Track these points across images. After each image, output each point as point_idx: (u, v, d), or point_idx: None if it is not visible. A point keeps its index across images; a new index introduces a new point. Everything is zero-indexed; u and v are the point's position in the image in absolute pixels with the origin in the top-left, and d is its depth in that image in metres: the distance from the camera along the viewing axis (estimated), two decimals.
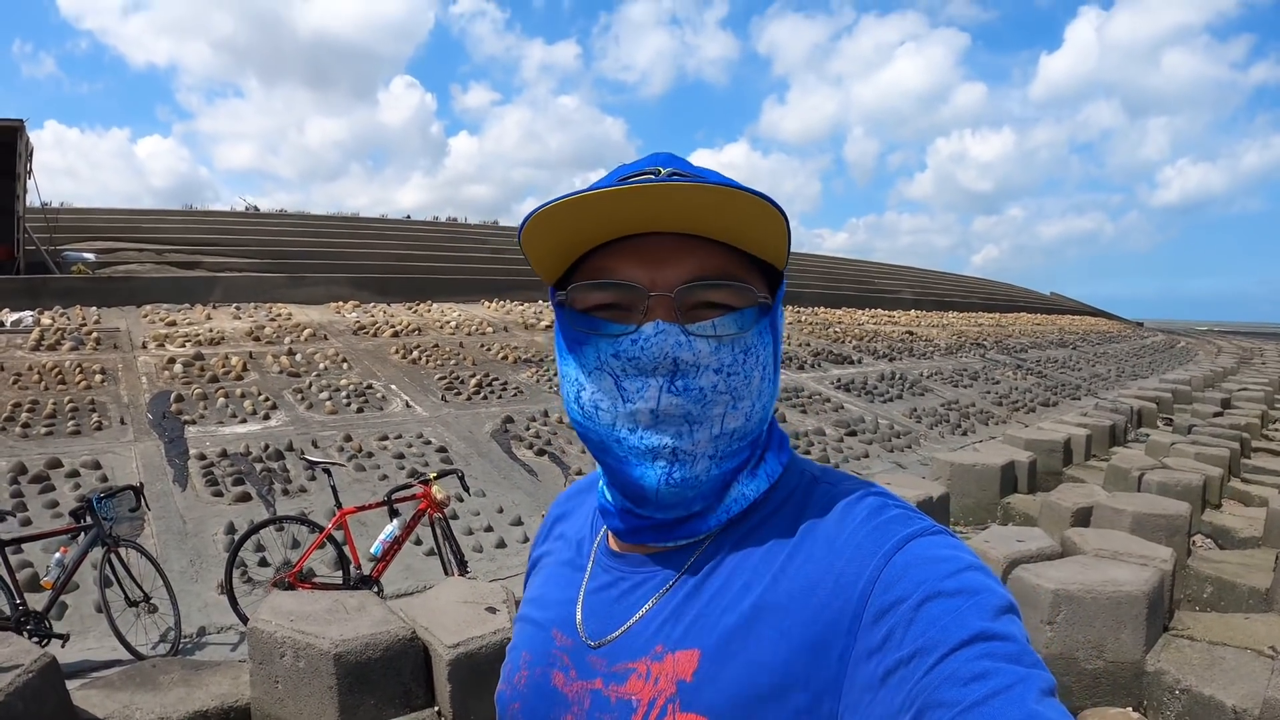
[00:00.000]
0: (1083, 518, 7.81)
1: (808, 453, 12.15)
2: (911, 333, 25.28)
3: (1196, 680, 4.74)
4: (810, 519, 0.93)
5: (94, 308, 15.28)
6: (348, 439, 9.98)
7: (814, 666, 0.83)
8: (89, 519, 5.88)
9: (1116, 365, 27.51)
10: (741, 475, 0.98)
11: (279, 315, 16.40)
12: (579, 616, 1.03)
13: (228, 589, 6.24)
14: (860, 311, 29.79)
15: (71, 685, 4.47)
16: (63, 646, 5.50)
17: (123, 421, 9.82)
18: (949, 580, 0.80)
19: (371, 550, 6.49)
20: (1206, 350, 40.95)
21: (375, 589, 6.37)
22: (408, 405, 11.71)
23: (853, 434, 13.40)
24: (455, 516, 8.11)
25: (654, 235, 0.91)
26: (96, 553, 5.88)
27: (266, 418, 10.49)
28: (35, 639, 5.29)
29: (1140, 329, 49.65)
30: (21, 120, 16.44)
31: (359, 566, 6.52)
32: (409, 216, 37.78)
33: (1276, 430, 16.28)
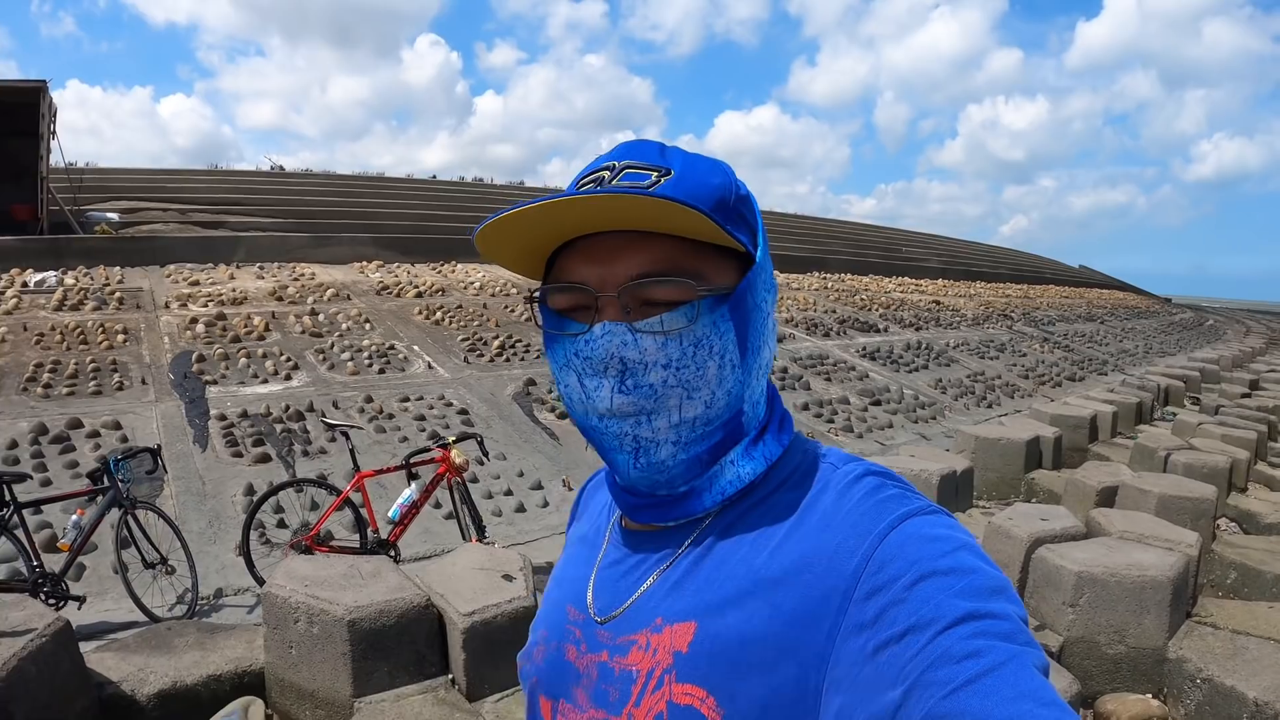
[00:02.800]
0: (1108, 497, 7.69)
1: (831, 421, 12.10)
2: (938, 302, 25.10)
3: (1218, 670, 4.63)
4: (809, 497, 0.95)
5: (117, 268, 15.28)
6: (369, 400, 9.96)
7: (803, 639, 0.84)
8: (106, 481, 5.87)
9: (1144, 341, 27.27)
10: (738, 457, 0.99)
11: (302, 275, 16.37)
12: (590, 592, 1.06)
13: (245, 551, 6.23)
14: (887, 279, 29.57)
15: (87, 647, 4.46)
16: (79, 609, 5.51)
17: (144, 381, 9.82)
18: (943, 559, 0.80)
19: (389, 514, 6.47)
20: (1235, 329, 40.57)
21: (392, 553, 6.35)
22: (430, 366, 11.69)
23: (877, 403, 13.31)
24: (475, 480, 8.08)
25: (607, 234, 0.93)
26: (114, 514, 5.86)
27: (288, 378, 10.49)
28: (51, 601, 5.30)
29: (1168, 305, 49.22)
30: (44, 81, 16.42)
31: (376, 530, 6.50)
32: (434, 176, 37.70)
33: None
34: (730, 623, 0.88)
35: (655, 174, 0.92)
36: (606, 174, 0.94)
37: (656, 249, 0.92)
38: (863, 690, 0.77)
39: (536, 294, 1.01)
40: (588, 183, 0.95)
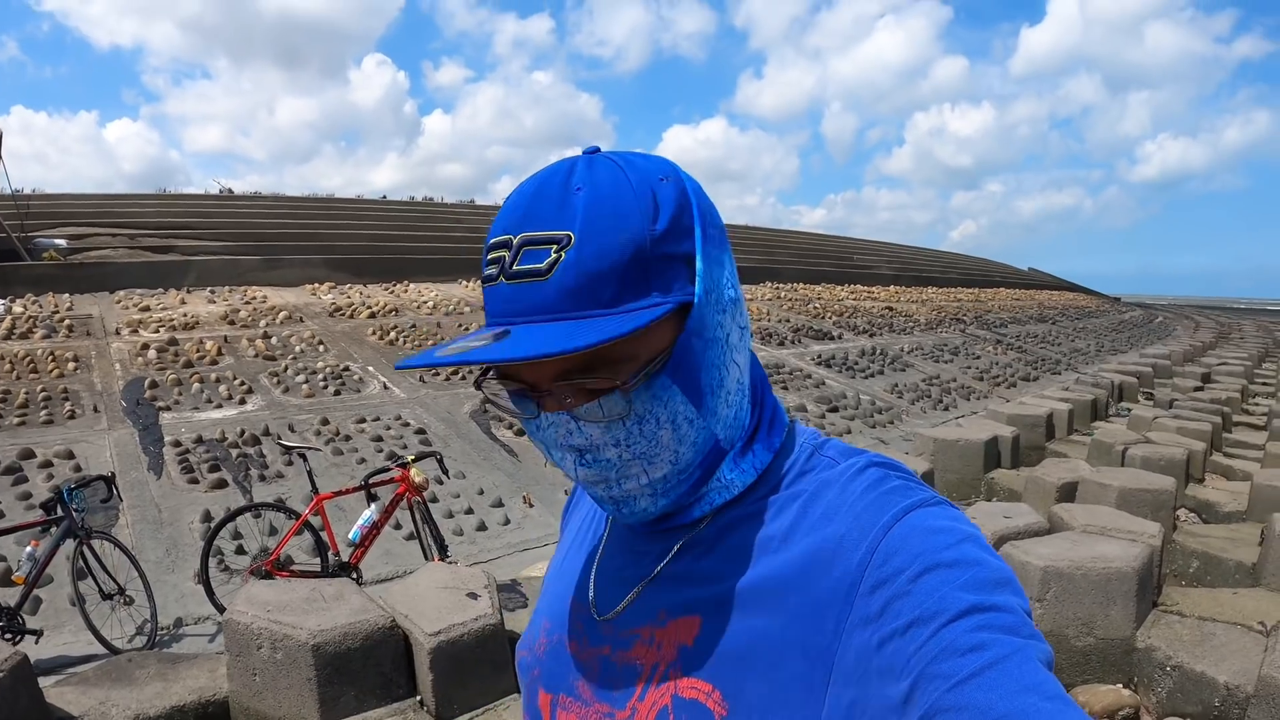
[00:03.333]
0: (1068, 493, 7.78)
1: None
2: (891, 308, 25.30)
3: (1188, 657, 4.70)
4: (811, 490, 0.93)
5: (66, 295, 15.09)
6: (325, 422, 9.89)
7: (808, 633, 0.83)
8: (60, 511, 5.78)
9: (1096, 340, 27.64)
10: (724, 470, 0.96)
11: (254, 298, 16.24)
12: (591, 586, 1.05)
13: (204, 578, 6.15)
14: (840, 287, 29.76)
15: (46, 682, 4.39)
16: (36, 643, 5.41)
17: (96, 409, 9.69)
18: (947, 551, 0.79)
19: (350, 536, 6.43)
20: (1185, 325, 41.17)
21: (354, 575, 6.30)
22: (385, 387, 11.63)
23: (834, 410, 13.39)
24: (435, 499, 8.04)
25: None
26: (69, 545, 5.77)
27: (242, 402, 10.39)
28: (8, 635, 5.21)
29: (1117, 304, 49.88)
30: None
31: (337, 553, 6.45)
32: (384, 196, 37.49)
33: (1256, 404, 16.34)
34: (735, 617, 0.88)
35: (554, 248, 0.84)
36: (506, 254, 0.87)
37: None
38: (869, 684, 0.77)
39: (481, 380, 0.95)
40: (492, 260, 0.89)
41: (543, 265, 0.84)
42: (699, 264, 0.90)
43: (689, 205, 0.91)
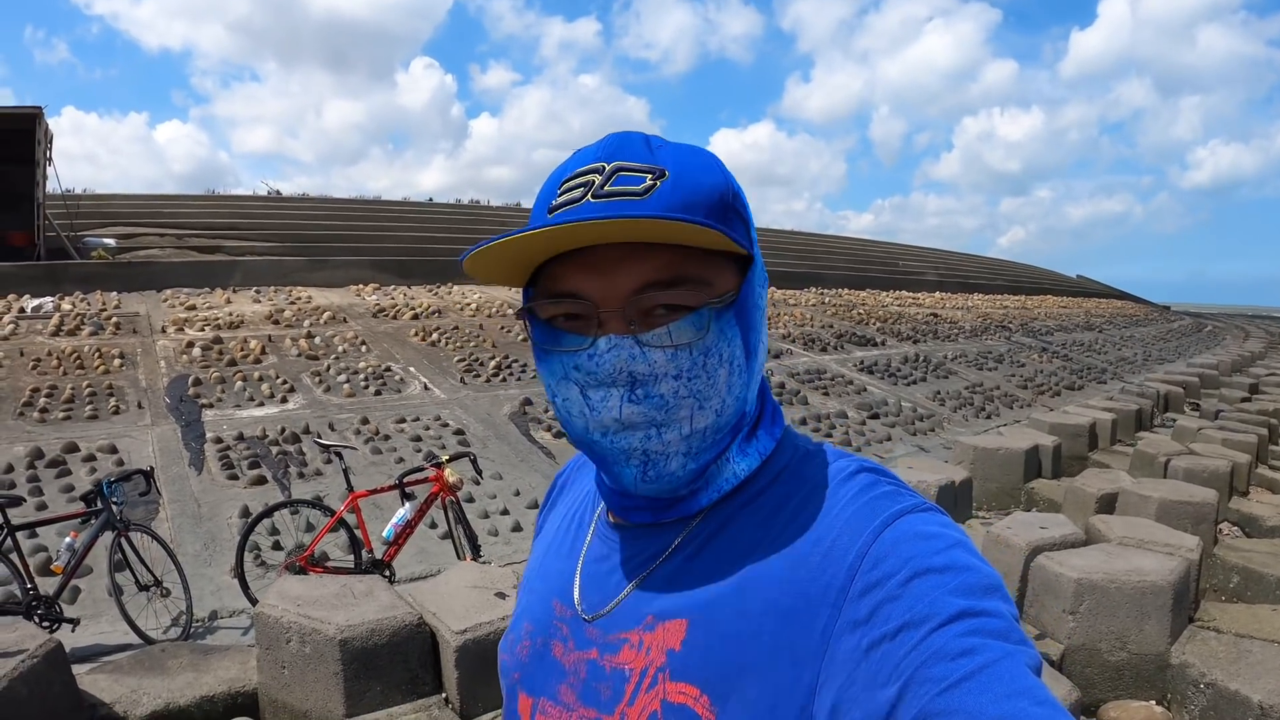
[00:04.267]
0: (1108, 504, 7.68)
1: (829, 435, 12.08)
2: (936, 315, 25.10)
3: (1222, 674, 4.61)
4: (802, 494, 0.93)
5: (114, 293, 15.32)
6: (365, 421, 9.96)
7: (797, 636, 0.83)
8: (100, 504, 5.87)
9: (1143, 349, 27.27)
10: (734, 453, 0.97)
11: (299, 298, 16.41)
12: (576, 588, 1.04)
13: (239, 572, 6.22)
14: (885, 293, 29.59)
15: (81, 669, 4.46)
16: (73, 631, 5.49)
17: (140, 405, 9.83)
18: (937, 557, 0.80)
19: (384, 534, 6.47)
20: (1234, 334, 40.56)
21: (387, 573, 6.34)
22: (426, 387, 11.69)
23: (875, 416, 13.30)
24: (470, 500, 8.07)
25: (604, 245, 0.89)
26: (108, 537, 5.85)
27: (284, 401, 10.49)
28: (45, 623, 5.29)
29: (1166, 313, 49.25)
30: (40, 107, 16.51)
31: (371, 550, 6.49)
32: (431, 199, 37.76)
33: None
34: (723, 620, 0.88)
35: (649, 177, 0.88)
36: (596, 178, 0.89)
37: (660, 258, 0.89)
38: (858, 688, 0.77)
39: (528, 308, 0.97)
40: (575, 185, 0.90)
41: (639, 188, 0.88)
42: (753, 232, 0.98)
43: (740, 188, 0.97)
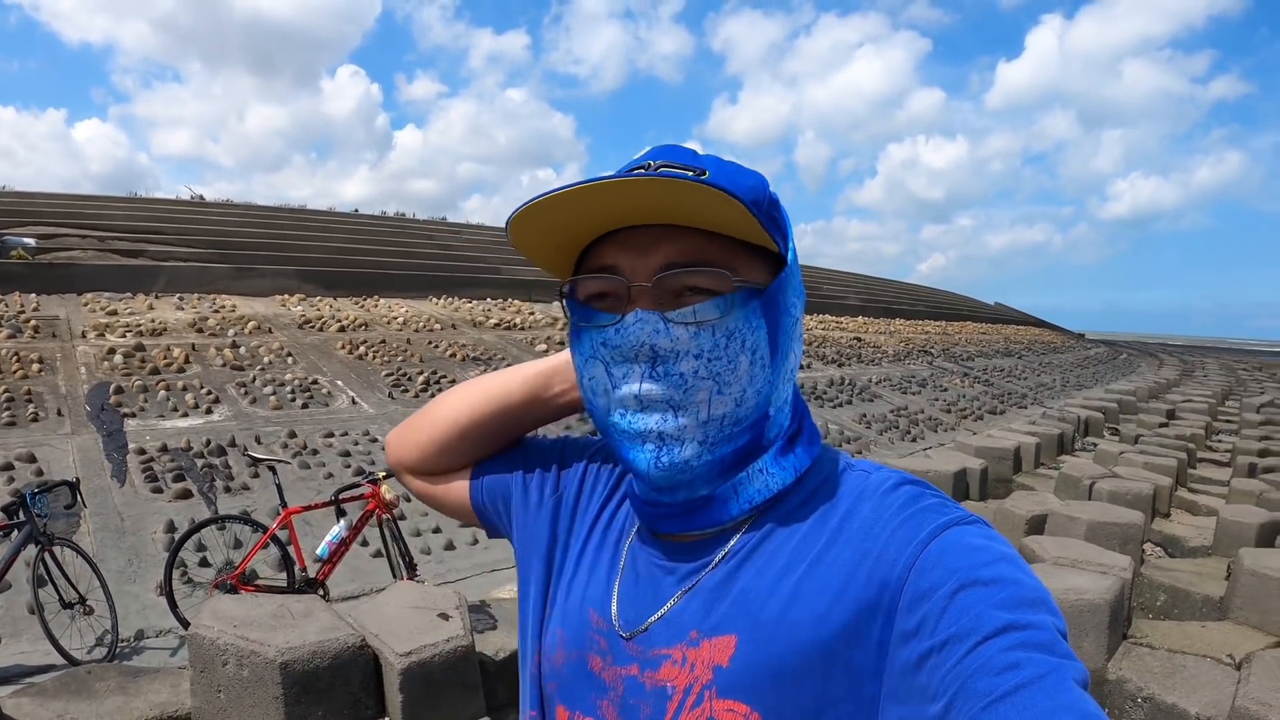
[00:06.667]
0: (1037, 525, 7.82)
1: None
2: (860, 339, 25.42)
3: (1159, 688, 4.72)
4: (845, 506, 0.94)
5: (33, 295, 14.88)
6: (292, 435, 9.79)
7: (852, 651, 0.83)
8: (22, 515, 5.66)
9: (1061, 375, 27.91)
10: (768, 465, 0.98)
11: (223, 307, 16.10)
12: (614, 603, 1.03)
13: (167, 590, 6.04)
14: (808, 317, 29.89)
15: (3, 692, 4.31)
16: None
17: (60, 413, 9.55)
18: (984, 569, 0.80)
19: (317, 552, 6.33)
20: (1149, 362, 41.63)
21: (321, 592, 6.21)
22: (354, 402, 11.54)
23: None
24: (404, 517, 7.95)
25: (642, 227, 0.93)
26: (30, 551, 5.65)
27: (209, 412, 10.28)
28: None
29: (1082, 340, 50.40)
30: None
31: (304, 568, 6.35)
32: (357, 210, 37.34)
33: (1220, 441, 16.56)
34: (774, 635, 0.87)
35: (691, 173, 0.89)
36: (642, 172, 0.91)
37: (692, 240, 0.92)
38: (911, 702, 0.78)
39: (566, 287, 1.01)
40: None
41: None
42: (790, 243, 1.00)
43: (781, 202, 1.01)
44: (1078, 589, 5.14)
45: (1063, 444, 14.00)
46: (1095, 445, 14.04)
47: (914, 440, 14.74)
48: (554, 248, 0.99)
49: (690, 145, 1.01)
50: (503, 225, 0.96)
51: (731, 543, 0.96)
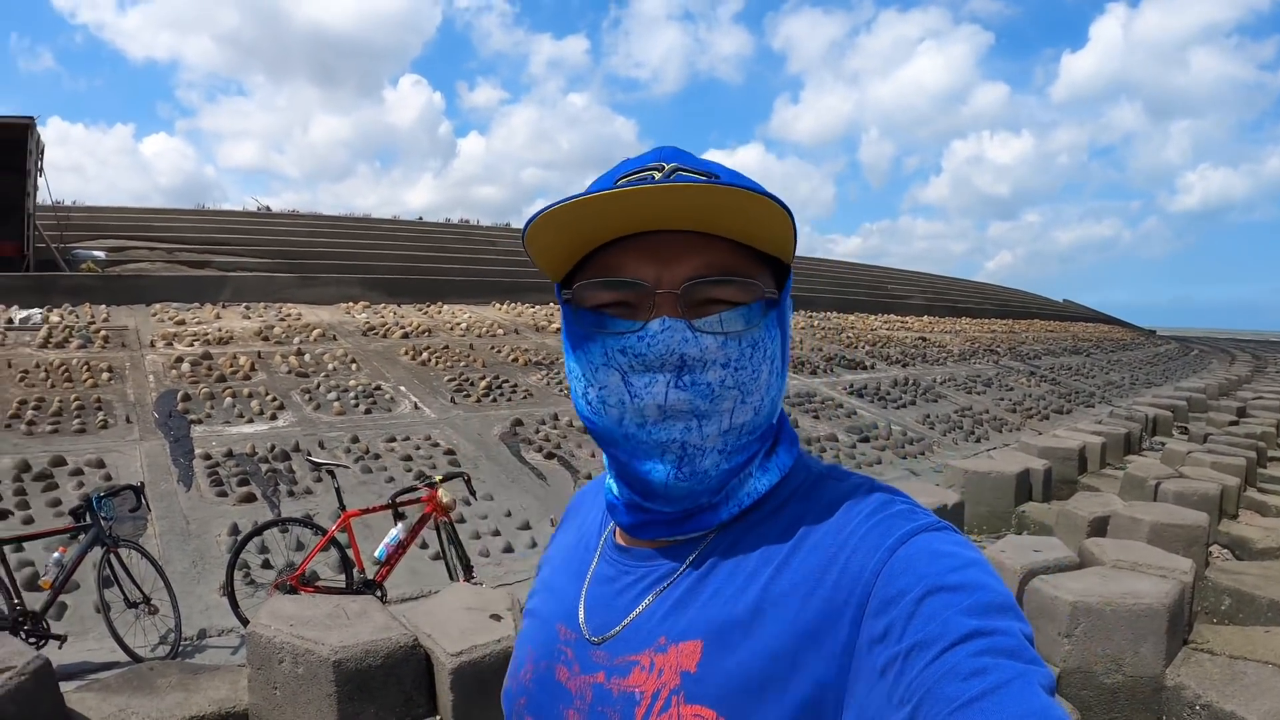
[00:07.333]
0: (1099, 527, 7.68)
1: (819, 458, 12.06)
2: (925, 338, 25.16)
3: (1218, 696, 4.61)
4: (816, 513, 0.93)
5: (103, 306, 15.24)
6: (355, 440, 9.90)
7: (818, 657, 0.83)
8: (89, 518, 5.81)
9: (1130, 373, 27.38)
10: (755, 468, 0.98)
11: (288, 315, 16.35)
12: (581, 610, 1.03)
13: (229, 591, 6.15)
14: (873, 317, 29.67)
15: (68, 687, 4.39)
16: (60, 648, 5.43)
17: (128, 420, 9.75)
18: (951, 575, 0.80)
19: (375, 554, 6.41)
20: (1220, 358, 40.77)
21: (379, 593, 6.28)
22: (416, 407, 11.64)
23: (865, 440, 13.29)
24: (462, 520, 8.02)
25: (661, 232, 0.91)
26: (96, 553, 5.79)
27: (273, 418, 10.43)
28: (32, 640, 5.22)
29: (1153, 337, 49.49)
30: (32, 118, 16.50)
31: (363, 570, 6.43)
32: (420, 218, 37.73)
33: None
34: (740, 640, 0.87)
35: (705, 178, 0.89)
36: (656, 174, 0.91)
37: (716, 251, 0.91)
38: (876, 708, 0.77)
39: (571, 291, 0.99)
40: (635, 178, 0.92)
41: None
42: (793, 249, 0.99)
43: None
44: (1136, 593, 5.05)
45: (1129, 444, 13.70)
46: (1163, 445, 13.75)
47: (978, 441, 14.55)
48: (566, 251, 0.97)
49: (705, 154, 1.01)
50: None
51: (702, 547, 0.97)
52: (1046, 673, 0.73)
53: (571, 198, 0.87)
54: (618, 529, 1.07)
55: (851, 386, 16.66)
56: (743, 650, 0.86)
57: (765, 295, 0.93)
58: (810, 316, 25.98)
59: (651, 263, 0.91)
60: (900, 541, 0.84)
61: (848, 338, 22.43)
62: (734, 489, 0.96)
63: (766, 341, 0.94)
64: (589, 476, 9.68)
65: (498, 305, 20.69)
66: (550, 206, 0.88)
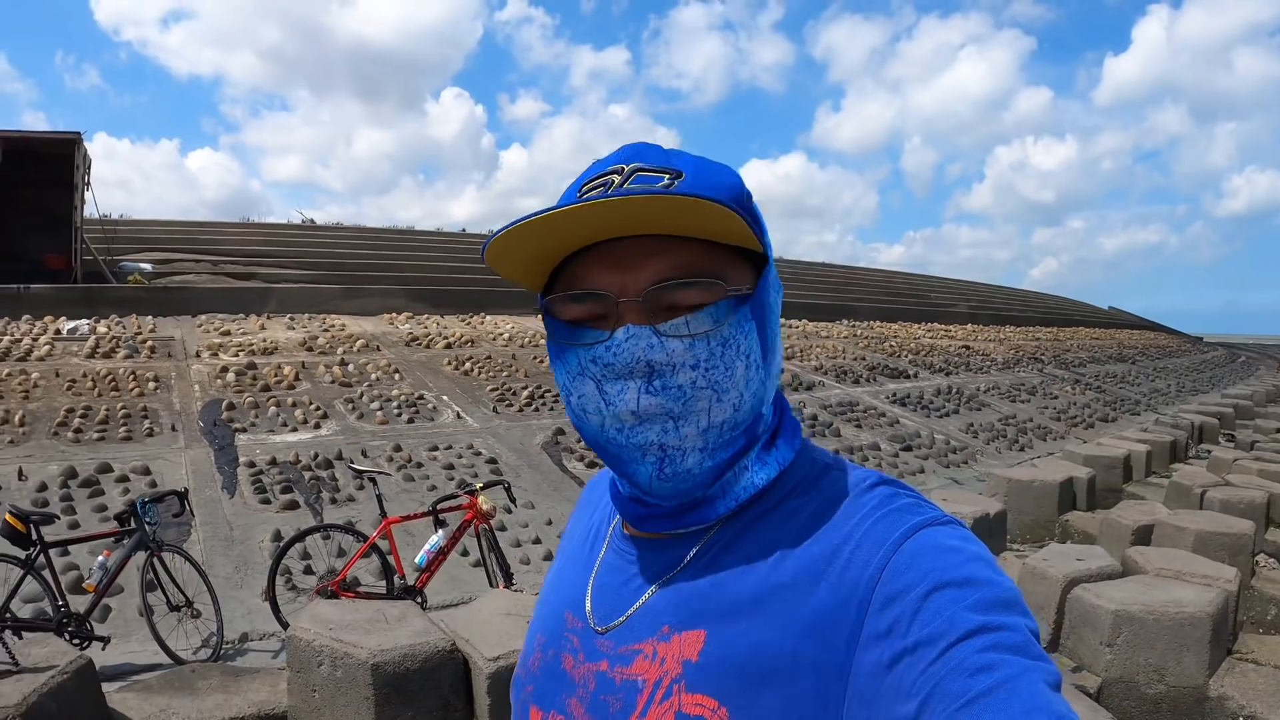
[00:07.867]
0: (1144, 536, 7.57)
1: (862, 466, 12.00)
2: (968, 347, 24.96)
3: (1262, 707, 4.54)
4: (820, 505, 0.93)
5: (150, 317, 15.44)
6: (397, 449, 9.96)
7: (820, 649, 0.82)
8: (133, 523, 5.88)
9: (1176, 380, 27.05)
10: (752, 462, 0.97)
11: (332, 326, 16.49)
12: (588, 599, 1.03)
13: (270, 596, 6.20)
14: (916, 326, 29.49)
15: (110, 688, 4.45)
16: (103, 649, 5.49)
17: (174, 429, 9.87)
18: (956, 571, 0.80)
19: (416, 560, 6.43)
20: (1268, 365, 40.18)
21: (419, 599, 6.30)
22: (458, 416, 11.69)
23: (908, 449, 13.20)
24: (503, 528, 8.03)
25: (624, 239, 0.90)
26: (140, 557, 5.86)
27: (317, 427, 10.51)
28: (76, 640, 5.28)
29: (1199, 344, 48.86)
30: (79, 132, 16.78)
31: (403, 576, 6.45)
32: (464, 229, 37.95)
33: None
34: (743, 631, 0.87)
35: (667, 176, 0.90)
36: (616, 178, 0.91)
37: (678, 253, 0.90)
38: (881, 704, 0.77)
39: (543, 304, 1.00)
40: (594, 187, 0.92)
41: (657, 186, 0.89)
42: (766, 235, 0.96)
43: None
44: (1178, 602, 4.97)
45: (1175, 452, 13.52)
46: (1209, 452, 13.55)
47: (1021, 449, 14.41)
48: (530, 264, 0.98)
49: (661, 143, 0.98)
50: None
51: (706, 539, 0.96)
52: (1052, 669, 0.73)
53: (526, 217, 0.86)
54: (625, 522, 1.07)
55: (894, 395, 16.56)
56: (745, 640, 0.86)
57: (731, 294, 0.92)
58: (854, 326, 25.85)
59: (614, 271, 0.91)
60: (906, 535, 0.84)
61: (890, 346, 22.30)
62: (730, 483, 0.96)
63: (739, 338, 0.92)
64: None
65: (541, 316, 20.72)
66: (507, 227, 0.88)
